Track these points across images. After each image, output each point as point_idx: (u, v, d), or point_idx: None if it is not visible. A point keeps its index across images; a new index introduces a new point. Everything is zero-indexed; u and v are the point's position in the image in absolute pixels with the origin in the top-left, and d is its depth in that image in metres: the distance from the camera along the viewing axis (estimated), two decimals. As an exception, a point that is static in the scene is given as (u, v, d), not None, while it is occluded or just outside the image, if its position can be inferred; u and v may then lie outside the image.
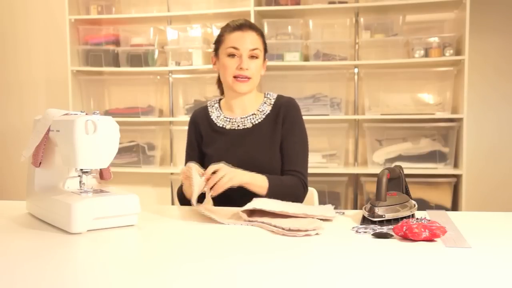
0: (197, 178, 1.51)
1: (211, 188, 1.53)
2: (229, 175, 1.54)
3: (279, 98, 1.83)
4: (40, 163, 1.46)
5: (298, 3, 3.40)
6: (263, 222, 1.37)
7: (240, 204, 1.49)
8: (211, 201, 1.55)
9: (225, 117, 1.82)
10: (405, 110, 3.39)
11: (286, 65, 3.42)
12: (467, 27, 3.11)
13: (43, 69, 4.01)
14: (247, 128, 1.78)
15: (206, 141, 1.82)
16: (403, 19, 3.37)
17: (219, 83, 1.89)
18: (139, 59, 3.62)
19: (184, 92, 3.73)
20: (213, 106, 1.88)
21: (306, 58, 3.46)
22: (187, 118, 3.61)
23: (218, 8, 3.52)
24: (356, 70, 3.51)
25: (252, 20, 3.35)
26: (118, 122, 1.38)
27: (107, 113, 3.72)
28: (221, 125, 1.82)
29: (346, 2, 3.39)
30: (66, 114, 1.43)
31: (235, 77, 1.73)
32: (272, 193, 1.63)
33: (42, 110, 1.50)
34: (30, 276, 0.99)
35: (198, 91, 3.70)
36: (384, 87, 3.47)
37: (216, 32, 3.54)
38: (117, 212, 1.35)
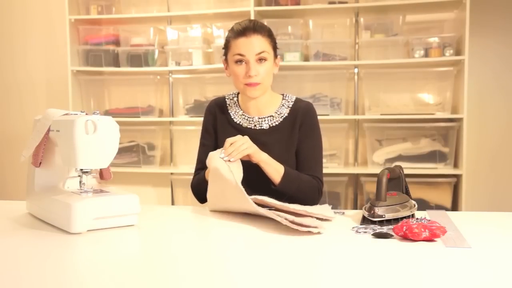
0: (219, 160, 1.53)
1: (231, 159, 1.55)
2: (248, 143, 1.59)
3: (298, 101, 1.83)
4: (40, 163, 1.46)
5: (298, 3, 3.40)
6: (267, 207, 1.37)
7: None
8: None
9: (243, 115, 1.82)
10: (405, 110, 3.38)
11: (286, 65, 3.41)
12: (467, 27, 3.11)
13: (43, 69, 4.01)
14: (264, 129, 1.78)
15: (221, 134, 1.81)
16: (403, 19, 3.36)
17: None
18: (139, 59, 3.62)
19: (184, 92, 3.72)
20: (231, 99, 1.87)
21: (306, 58, 3.46)
22: (187, 118, 3.63)
23: (218, 8, 3.51)
24: (356, 70, 3.51)
25: (252, 20, 3.35)
26: (118, 122, 1.38)
27: (107, 113, 3.71)
28: (238, 122, 1.81)
29: (346, 2, 3.39)
30: (66, 114, 1.43)
31: (245, 84, 1.73)
32: (286, 182, 1.63)
33: (42, 110, 1.50)
34: (30, 276, 0.99)
35: (198, 91, 3.69)
36: (384, 87, 3.47)
37: (216, 32, 3.55)
38: (117, 212, 1.35)
